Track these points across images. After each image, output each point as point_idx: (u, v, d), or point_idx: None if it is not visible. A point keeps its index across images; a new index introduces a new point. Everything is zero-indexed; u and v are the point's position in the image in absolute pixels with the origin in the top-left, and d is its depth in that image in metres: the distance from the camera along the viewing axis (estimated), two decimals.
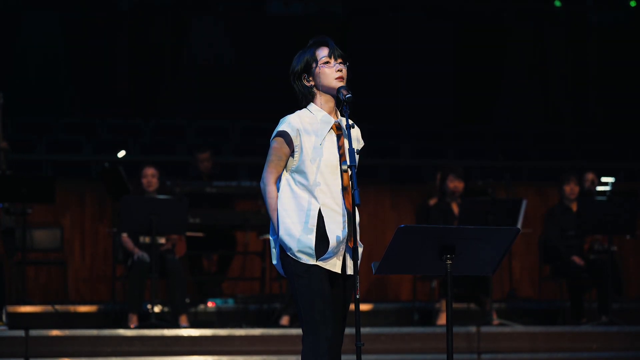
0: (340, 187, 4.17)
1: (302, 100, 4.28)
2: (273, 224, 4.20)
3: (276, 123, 4.25)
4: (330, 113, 4.24)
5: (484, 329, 8.20)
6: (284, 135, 4.16)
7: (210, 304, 9.13)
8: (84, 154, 11.97)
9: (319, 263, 4.13)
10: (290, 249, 4.14)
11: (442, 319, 8.63)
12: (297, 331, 7.47)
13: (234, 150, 12.32)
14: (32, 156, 11.65)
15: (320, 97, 4.25)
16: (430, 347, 8.04)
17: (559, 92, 14.36)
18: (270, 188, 4.19)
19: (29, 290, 9.34)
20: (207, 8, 14.52)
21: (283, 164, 4.20)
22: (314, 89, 4.25)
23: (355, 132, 4.27)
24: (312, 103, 4.25)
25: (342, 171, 4.17)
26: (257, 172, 4.33)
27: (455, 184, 8.87)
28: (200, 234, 9.33)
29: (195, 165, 9.88)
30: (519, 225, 8.43)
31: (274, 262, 4.26)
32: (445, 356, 4.17)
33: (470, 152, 12.90)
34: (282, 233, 4.15)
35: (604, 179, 9.64)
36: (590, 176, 9.39)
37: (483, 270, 4.25)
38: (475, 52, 14.61)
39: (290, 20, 14.40)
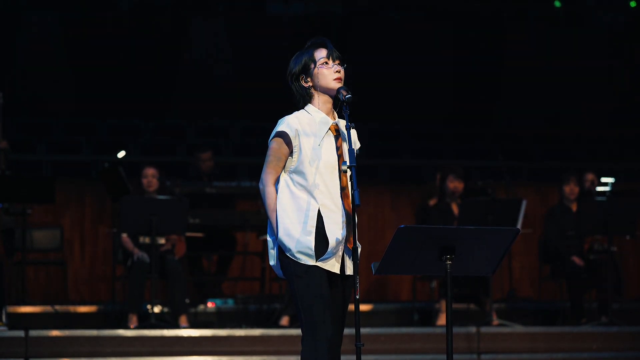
0: (339, 187, 4.17)
1: (299, 101, 4.28)
2: (272, 224, 4.20)
3: (276, 123, 4.25)
4: (328, 114, 4.24)
5: (484, 329, 8.20)
6: (283, 135, 4.17)
7: (210, 305, 9.13)
8: (83, 155, 11.97)
9: (319, 264, 4.13)
10: (289, 250, 4.14)
11: (442, 319, 8.63)
12: (297, 332, 7.47)
13: (234, 150, 12.32)
14: (32, 156, 11.65)
15: (318, 98, 4.25)
16: (430, 347, 8.04)
17: (559, 92, 14.35)
18: (269, 189, 4.19)
19: (28, 290, 9.33)
20: (207, 8, 14.52)
21: (282, 164, 4.20)
22: (312, 90, 4.25)
23: (352, 134, 4.27)
24: (309, 104, 4.26)
25: (342, 172, 4.17)
26: (256, 173, 4.33)
27: (455, 184, 8.87)
28: (200, 235, 9.32)
29: (196, 165, 9.87)
30: (519, 226, 8.43)
31: (272, 263, 4.25)
32: (445, 356, 4.17)
33: (470, 152, 12.90)
34: (281, 234, 4.14)
35: (603, 179, 9.63)
36: (590, 176, 9.39)
37: (483, 271, 4.25)
38: (474, 52, 14.61)
39: (290, 20, 14.40)
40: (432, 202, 9.13)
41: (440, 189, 8.97)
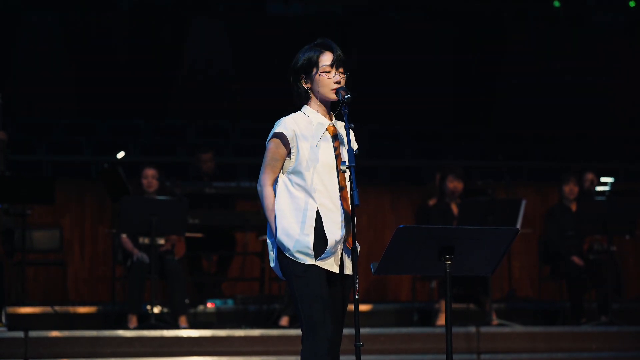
0: (338, 187, 4.17)
1: (296, 98, 4.27)
2: (270, 225, 4.20)
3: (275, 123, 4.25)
4: (325, 115, 4.24)
5: (484, 329, 8.20)
6: (281, 136, 4.17)
7: (209, 305, 9.12)
8: (83, 155, 11.97)
9: (317, 263, 4.13)
10: (288, 250, 4.14)
11: (442, 320, 8.63)
12: (297, 332, 7.47)
13: (234, 151, 12.32)
14: (32, 157, 11.66)
15: (316, 100, 4.25)
16: (430, 347, 8.04)
17: (559, 92, 14.35)
18: (267, 190, 4.20)
19: (28, 291, 9.33)
20: (207, 8, 14.53)
21: (280, 165, 4.20)
22: (310, 92, 4.24)
23: (350, 135, 4.26)
24: (306, 105, 4.25)
25: (341, 172, 4.16)
26: (256, 173, 4.33)
27: (454, 184, 8.87)
28: (199, 235, 9.32)
29: (197, 166, 9.84)
30: (519, 226, 8.42)
31: (272, 264, 4.26)
32: (444, 356, 4.17)
33: (470, 152, 12.90)
34: (280, 234, 4.15)
35: (603, 179, 9.64)
36: (589, 176, 9.39)
37: (482, 271, 4.25)
38: (474, 52, 14.61)
39: (290, 20, 14.40)
40: (431, 202, 9.13)
41: (440, 189, 8.97)
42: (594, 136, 13.70)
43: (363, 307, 9.19)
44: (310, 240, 4.12)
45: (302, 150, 4.15)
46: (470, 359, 8.04)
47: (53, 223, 9.82)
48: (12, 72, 13.35)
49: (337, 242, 4.15)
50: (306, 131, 4.18)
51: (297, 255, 4.13)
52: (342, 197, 4.16)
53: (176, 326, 8.07)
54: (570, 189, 9.03)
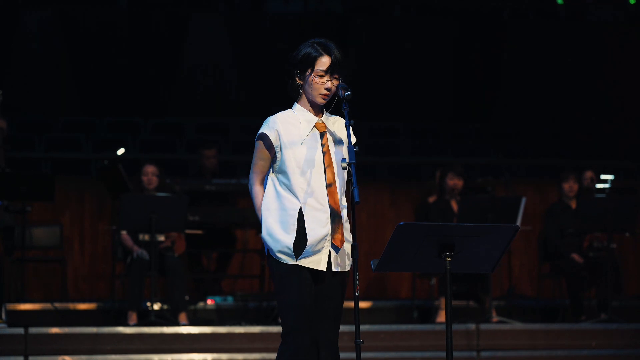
0: (324, 184, 4.16)
1: (289, 90, 4.27)
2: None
3: None
4: (314, 113, 4.23)
5: (483, 326, 8.21)
6: (264, 138, 4.19)
7: (209, 302, 9.12)
8: (83, 152, 11.96)
9: (300, 262, 4.14)
10: (271, 249, 4.19)
11: (442, 317, 8.63)
12: None
13: (233, 148, 12.31)
14: (32, 154, 11.65)
15: (306, 98, 4.25)
16: (430, 344, 8.04)
17: (559, 90, 14.35)
18: (255, 189, 4.26)
19: (28, 287, 9.34)
20: (206, 6, 14.52)
21: (266, 164, 4.23)
22: (301, 90, 4.24)
23: (343, 131, 4.25)
24: (296, 102, 4.26)
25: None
26: None
27: (454, 182, 8.88)
28: (199, 232, 9.32)
29: (200, 162, 9.80)
30: (518, 223, 8.43)
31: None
32: (444, 353, 4.17)
33: (470, 149, 12.90)
34: (264, 234, 4.20)
35: (603, 177, 9.63)
36: (589, 174, 9.39)
37: (482, 268, 4.25)
38: (474, 49, 14.61)
39: (290, 18, 14.40)
40: (431, 199, 9.14)
41: (440, 187, 8.98)
42: (594, 134, 13.70)
43: (363, 304, 9.20)
44: (291, 240, 4.13)
45: (286, 150, 4.16)
46: (470, 356, 8.04)
47: (53, 220, 9.82)
48: (11, 69, 13.34)
49: (320, 240, 4.14)
50: (292, 129, 4.18)
51: (279, 255, 4.17)
52: (329, 195, 4.16)
53: (176, 323, 8.08)
54: (570, 186, 9.03)
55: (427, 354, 8.00)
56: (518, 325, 8.44)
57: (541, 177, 11.94)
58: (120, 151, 10.57)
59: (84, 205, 10.14)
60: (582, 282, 8.87)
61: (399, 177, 12.06)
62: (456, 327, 7.88)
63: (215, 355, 7.76)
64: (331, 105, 4.23)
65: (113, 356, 7.66)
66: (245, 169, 11.17)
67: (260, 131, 4.20)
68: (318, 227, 4.13)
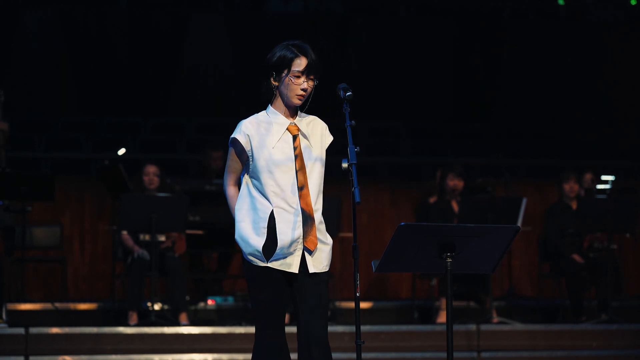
0: (296, 187, 4.16)
1: (263, 92, 4.25)
2: None
3: None
4: (287, 116, 4.23)
5: (484, 327, 8.21)
6: (235, 143, 4.20)
7: (210, 302, 9.12)
8: (83, 152, 11.96)
9: (270, 264, 4.15)
10: (244, 252, 4.22)
11: (442, 317, 8.63)
12: (295, 329, 7.46)
13: None
14: (32, 154, 11.65)
15: (280, 100, 4.24)
16: (430, 345, 8.04)
17: (559, 90, 14.36)
18: (228, 190, 4.30)
19: (28, 287, 9.34)
20: (206, 6, 14.52)
21: (238, 167, 4.25)
22: (276, 91, 4.24)
23: (320, 128, 4.26)
24: (270, 105, 4.25)
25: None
26: None
27: (455, 182, 8.88)
28: (200, 232, 9.32)
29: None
30: (519, 223, 8.43)
31: None
32: (445, 354, 4.17)
33: (470, 150, 12.90)
34: (237, 236, 4.23)
35: (604, 177, 9.63)
36: (588, 176, 9.40)
37: (483, 269, 4.25)
38: (474, 49, 14.61)
39: (290, 18, 14.40)
40: (432, 200, 9.13)
41: (440, 187, 8.97)
42: (594, 134, 13.71)
43: (363, 305, 9.20)
44: (261, 243, 4.15)
45: (257, 153, 4.15)
46: (470, 357, 8.04)
47: (53, 220, 9.82)
48: (12, 69, 13.34)
49: (291, 243, 4.14)
50: (264, 132, 4.18)
51: (250, 257, 4.20)
52: (301, 197, 4.15)
53: (176, 323, 8.08)
54: (570, 187, 9.03)
55: (428, 355, 8.00)
56: (518, 326, 8.44)
57: (541, 177, 11.94)
58: (121, 151, 10.56)
59: (84, 205, 10.14)
60: (582, 283, 8.87)
61: (399, 177, 12.06)
62: (457, 327, 7.88)
63: (215, 355, 7.76)
64: (306, 105, 4.23)
65: (113, 356, 7.66)
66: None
67: (232, 136, 4.20)
68: (289, 229, 4.14)
